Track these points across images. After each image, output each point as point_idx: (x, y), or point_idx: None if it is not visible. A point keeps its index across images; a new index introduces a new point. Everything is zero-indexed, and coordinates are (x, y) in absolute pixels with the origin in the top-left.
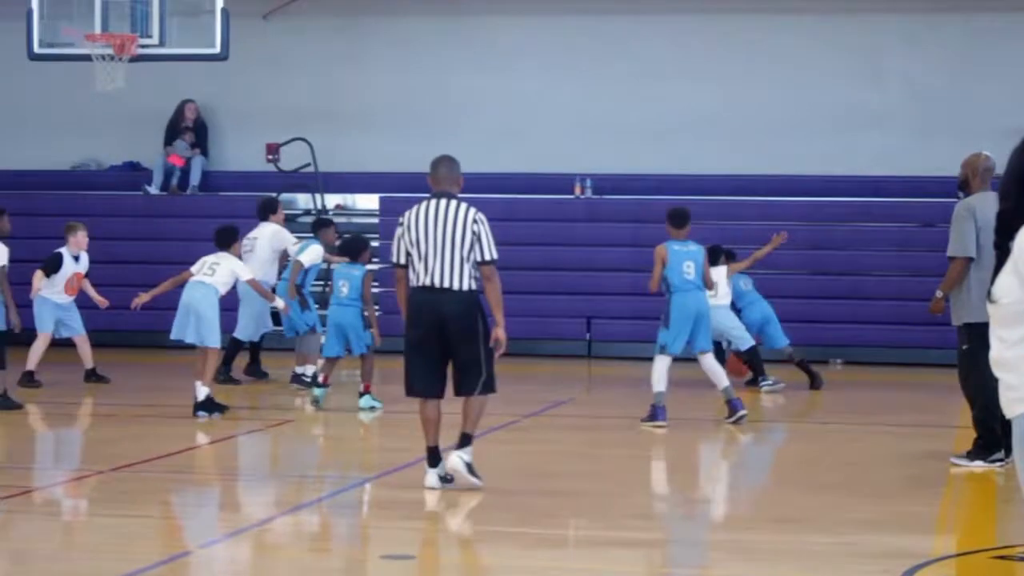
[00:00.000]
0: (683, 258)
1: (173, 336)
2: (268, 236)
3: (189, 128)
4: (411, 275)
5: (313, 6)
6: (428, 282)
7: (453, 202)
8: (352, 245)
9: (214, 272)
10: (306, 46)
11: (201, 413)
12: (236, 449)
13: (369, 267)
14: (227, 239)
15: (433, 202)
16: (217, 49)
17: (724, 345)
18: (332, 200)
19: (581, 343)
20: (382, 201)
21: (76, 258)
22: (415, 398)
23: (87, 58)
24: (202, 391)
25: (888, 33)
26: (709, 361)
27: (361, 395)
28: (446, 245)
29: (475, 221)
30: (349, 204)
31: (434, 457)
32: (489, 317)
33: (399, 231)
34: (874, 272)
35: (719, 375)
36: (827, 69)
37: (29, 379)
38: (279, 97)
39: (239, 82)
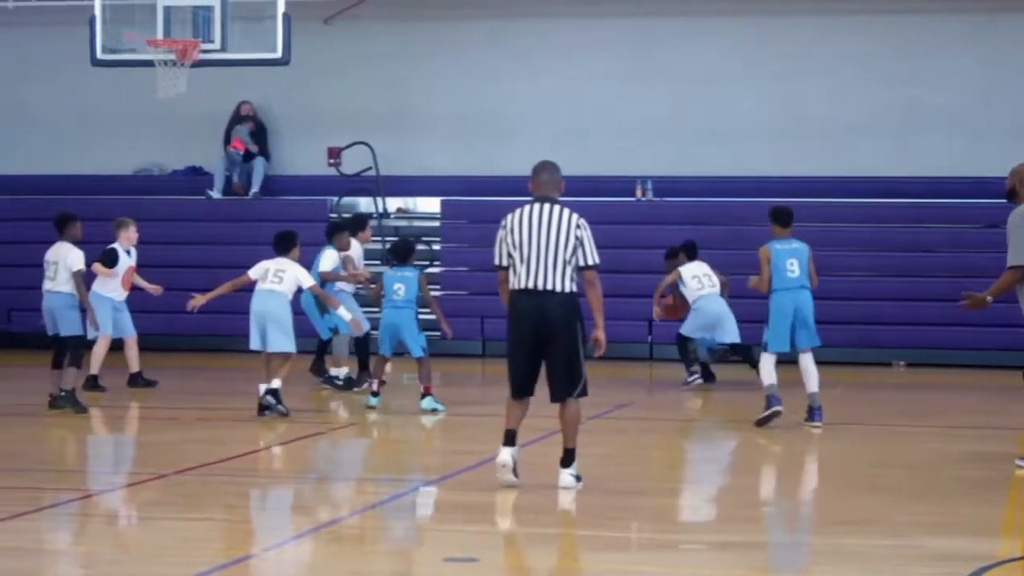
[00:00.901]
0: (787, 256)
1: (253, 347)
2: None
3: (250, 117)
4: (512, 277)
5: (374, 10)
6: (530, 285)
7: (556, 207)
8: (402, 248)
9: (281, 280)
10: (367, 50)
11: (267, 412)
12: (299, 452)
13: (422, 269)
14: (287, 244)
15: (536, 206)
16: (279, 54)
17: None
18: (393, 203)
19: (643, 345)
20: (443, 204)
21: (128, 252)
22: (514, 397)
23: (149, 64)
24: (265, 388)
25: (949, 33)
26: (806, 360)
27: (422, 396)
28: (549, 248)
29: (578, 226)
30: (410, 207)
31: (511, 439)
32: (587, 319)
33: (501, 233)
34: (936, 274)
35: (812, 377)
36: (886, 70)
37: (93, 383)
38: (340, 101)
39: (300, 86)
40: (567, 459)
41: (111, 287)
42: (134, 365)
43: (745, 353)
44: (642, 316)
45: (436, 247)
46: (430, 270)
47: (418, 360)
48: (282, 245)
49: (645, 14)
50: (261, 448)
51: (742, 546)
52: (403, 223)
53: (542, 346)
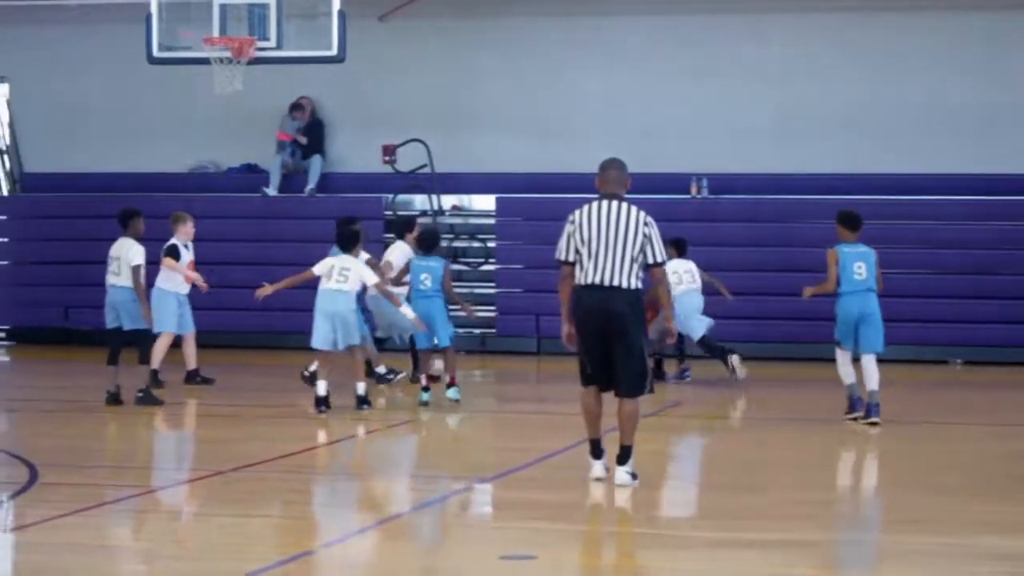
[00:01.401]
0: (855, 260)
1: (320, 346)
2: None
3: (299, 107)
4: (578, 273)
5: (430, 7)
6: (597, 280)
7: (624, 204)
8: (431, 238)
9: (346, 278)
10: (422, 47)
11: (364, 406)
12: (356, 449)
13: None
14: (352, 242)
15: (604, 203)
16: (334, 51)
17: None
18: (448, 201)
19: None
20: (498, 201)
21: (186, 247)
22: (588, 386)
23: (205, 61)
24: (361, 387)
25: (1018, 32)
26: (868, 361)
27: (448, 387)
28: (617, 245)
29: (646, 224)
30: (465, 204)
31: (598, 449)
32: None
33: (569, 228)
34: (994, 271)
35: (872, 377)
36: (949, 67)
37: (154, 379)
38: (395, 98)
39: (356, 84)
40: (623, 456)
41: (176, 281)
42: (191, 362)
43: (710, 348)
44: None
45: (491, 244)
46: (485, 267)
47: (444, 350)
48: (347, 242)
49: (701, 11)
50: (318, 445)
51: (803, 544)
52: (458, 220)
53: (607, 341)
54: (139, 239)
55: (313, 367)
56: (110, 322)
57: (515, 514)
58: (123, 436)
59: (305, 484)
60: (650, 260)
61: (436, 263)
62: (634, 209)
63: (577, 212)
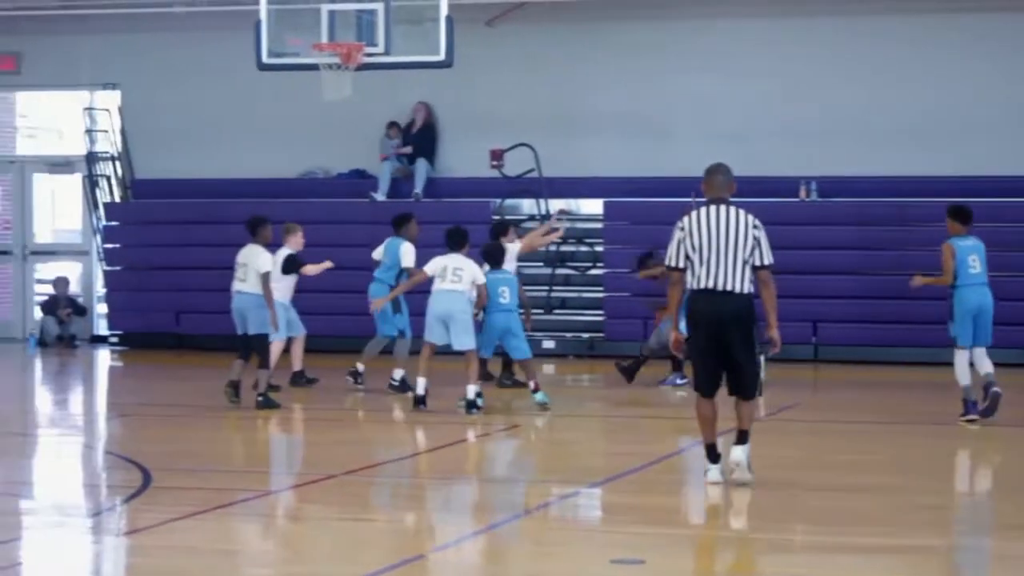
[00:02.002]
0: (969, 253)
1: (432, 340)
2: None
3: (394, 124)
4: (690, 279)
5: (536, 12)
6: (710, 285)
7: (732, 208)
8: (497, 252)
9: (460, 279)
10: (530, 52)
11: (474, 410)
12: (465, 454)
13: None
14: (461, 241)
15: (712, 208)
16: (442, 56)
17: None
18: (556, 205)
19: (807, 347)
20: (606, 205)
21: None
22: (702, 390)
23: (314, 67)
24: (471, 390)
25: None
26: (980, 354)
27: (534, 392)
28: (728, 249)
29: (755, 226)
30: (573, 209)
31: (714, 454)
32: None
33: (679, 235)
34: None
35: (986, 363)
36: None
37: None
38: (503, 103)
39: (463, 89)
40: (742, 438)
41: (282, 290)
42: (297, 364)
43: None
44: (807, 317)
45: (598, 248)
46: (592, 271)
47: (524, 362)
48: (456, 241)
49: (809, 14)
50: (428, 450)
51: (914, 549)
52: (565, 224)
53: (722, 345)
54: (266, 246)
55: (399, 373)
56: (239, 328)
57: (625, 518)
58: (235, 440)
59: (415, 488)
60: (758, 262)
61: (511, 275)
62: (742, 213)
63: (686, 218)
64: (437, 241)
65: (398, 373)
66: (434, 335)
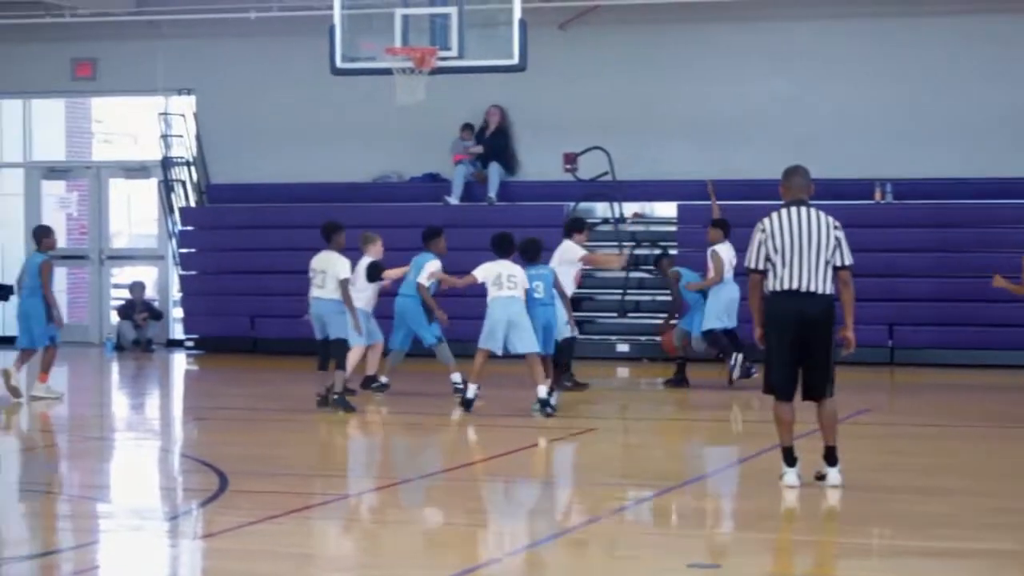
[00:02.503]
0: None
1: (491, 347)
2: (560, 250)
3: (468, 126)
4: (772, 281)
5: (609, 15)
6: (794, 286)
7: (812, 210)
8: (533, 247)
9: (516, 285)
10: (602, 55)
11: (548, 409)
12: (540, 457)
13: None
14: (509, 248)
15: (793, 210)
16: (515, 60)
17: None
18: (630, 208)
19: (883, 350)
20: (680, 209)
21: None
22: (771, 396)
23: (388, 72)
24: (542, 390)
25: None
26: None
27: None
28: (811, 250)
29: (836, 227)
30: (647, 212)
31: (791, 457)
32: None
33: (760, 236)
34: None
35: None
36: None
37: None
38: (576, 106)
39: (536, 92)
40: (832, 457)
41: (364, 298)
42: (372, 368)
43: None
44: (882, 320)
45: (672, 252)
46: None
47: (545, 357)
48: (507, 249)
49: (881, 15)
50: (503, 453)
51: (995, 554)
52: (639, 228)
53: (804, 345)
54: (341, 251)
55: (456, 376)
56: (319, 333)
57: (701, 522)
58: (311, 443)
59: (491, 492)
60: (838, 263)
61: (547, 271)
62: (822, 214)
63: (766, 220)
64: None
65: (457, 376)
66: (495, 342)
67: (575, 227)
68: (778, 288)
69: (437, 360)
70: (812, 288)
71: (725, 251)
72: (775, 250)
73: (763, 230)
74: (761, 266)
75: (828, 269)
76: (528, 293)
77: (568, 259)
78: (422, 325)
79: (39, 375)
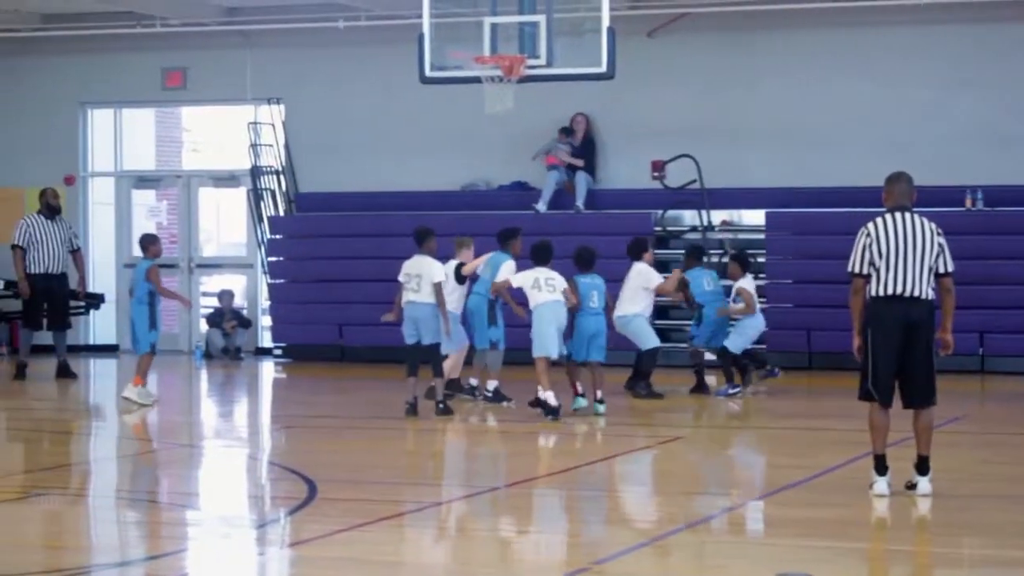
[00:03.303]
0: None
1: (549, 353)
2: (635, 274)
3: (569, 130)
4: (875, 285)
5: (698, 23)
6: (898, 291)
7: (916, 216)
8: (589, 256)
9: (554, 288)
10: (691, 62)
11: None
12: (625, 465)
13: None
14: (547, 256)
15: (898, 215)
16: (603, 68)
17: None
18: (718, 216)
19: (974, 358)
20: (768, 216)
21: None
22: (869, 402)
23: (477, 80)
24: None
25: None
26: None
27: (581, 396)
28: (916, 256)
29: (938, 233)
30: (735, 220)
31: (883, 465)
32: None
33: (865, 241)
34: None
35: None
36: None
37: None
38: (664, 114)
39: (624, 100)
40: (924, 467)
41: (453, 301)
42: (455, 372)
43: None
44: (973, 328)
45: (761, 259)
46: (756, 282)
47: (598, 364)
48: (544, 257)
49: (970, 20)
50: (589, 462)
51: None
52: (727, 235)
53: (906, 351)
54: (434, 256)
55: (493, 384)
56: (410, 338)
57: (790, 531)
58: (399, 451)
59: (578, 500)
60: (942, 269)
61: (600, 280)
62: (924, 220)
63: (871, 225)
64: (605, 252)
65: (492, 384)
66: (552, 346)
67: (642, 248)
68: (881, 293)
69: (480, 362)
70: (916, 293)
71: (750, 284)
72: (879, 254)
73: (868, 234)
74: (865, 270)
75: (930, 275)
76: (582, 301)
77: (645, 286)
78: (483, 326)
79: (134, 378)
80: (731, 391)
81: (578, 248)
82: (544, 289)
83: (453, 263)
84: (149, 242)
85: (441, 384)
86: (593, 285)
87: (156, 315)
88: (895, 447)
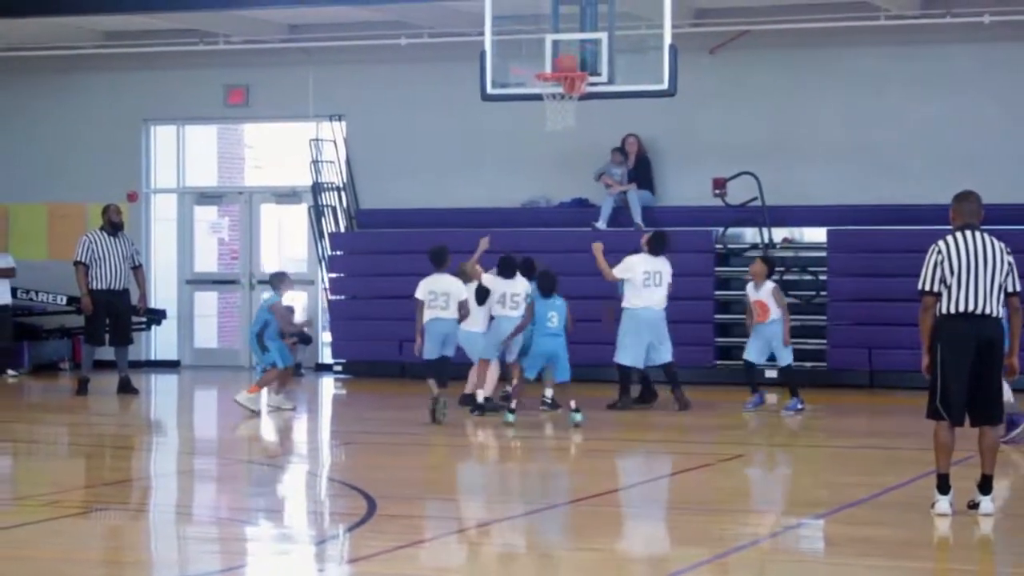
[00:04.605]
0: None
1: (531, 375)
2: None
3: (621, 151)
4: (945, 303)
5: (760, 40)
6: (969, 309)
7: (985, 235)
8: (551, 281)
9: (518, 305)
10: (752, 79)
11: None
12: (687, 483)
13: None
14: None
15: (968, 233)
16: (665, 85)
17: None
18: (779, 234)
19: None
20: (830, 234)
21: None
22: (936, 420)
23: (538, 97)
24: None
25: None
26: None
27: (574, 411)
28: (986, 274)
29: (1007, 252)
30: (796, 237)
31: (946, 484)
32: None
33: (936, 258)
34: None
35: None
36: None
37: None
38: (725, 131)
39: (685, 117)
40: (987, 486)
41: (477, 321)
42: (470, 387)
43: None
44: None
45: (822, 277)
46: (817, 301)
47: (564, 384)
48: (548, 286)
49: None
50: (648, 479)
51: None
52: (789, 253)
53: (976, 369)
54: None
55: (550, 392)
56: (432, 352)
57: (851, 550)
58: (458, 468)
59: (637, 517)
60: (1010, 288)
61: (561, 303)
62: (994, 239)
63: (942, 243)
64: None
65: (549, 392)
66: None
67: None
68: (952, 310)
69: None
70: (987, 311)
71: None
72: (951, 272)
73: (939, 252)
74: (936, 288)
75: (1001, 293)
76: (539, 322)
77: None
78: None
79: (251, 386)
80: (799, 406)
81: (539, 272)
82: (508, 305)
83: (473, 285)
84: (278, 280)
85: (443, 393)
86: (553, 307)
87: (270, 338)
88: (958, 466)
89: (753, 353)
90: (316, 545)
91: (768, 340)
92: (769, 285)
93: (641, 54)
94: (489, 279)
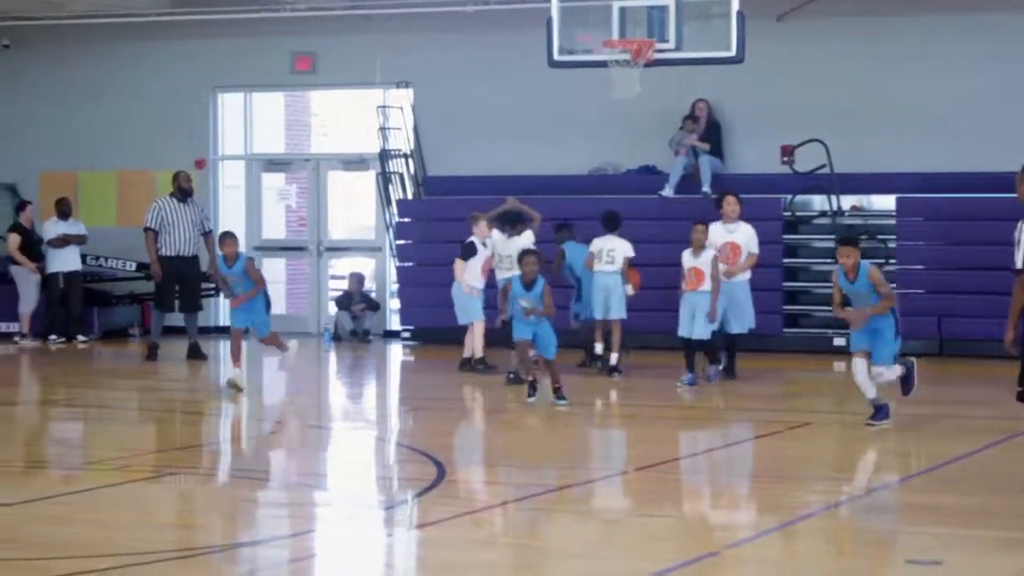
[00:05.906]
0: None
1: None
2: None
3: (693, 118)
4: None
5: (829, 6)
6: None
7: None
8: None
9: (613, 260)
10: (821, 46)
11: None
12: (755, 451)
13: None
14: (617, 222)
15: None
16: (733, 52)
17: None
18: (847, 201)
19: None
20: (898, 201)
21: (483, 244)
22: None
23: (604, 64)
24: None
25: None
26: None
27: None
28: None
29: None
30: (865, 205)
31: None
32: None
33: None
34: None
35: None
36: None
37: (481, 364)
38: (794, 98)
39: (753, 84)
40: None
41: (475, 277)
42: (468, 351)
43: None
44: None
45: (891, 245)
46: (887, 268)
47: (551, 360)
48: (613, 223)
49: None
50: (717, 447)
51: None
52: (858, 221)
53: None
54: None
55: (614, 358)
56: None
57: (921, 518)
58: (526, 435)
59: (706, 486)
60: None
61: (541, 283)
62: None
63: None
64: None
65: (614, 357)
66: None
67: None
68: None
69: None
70: None
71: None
72: None
73: None
74: None
75: None
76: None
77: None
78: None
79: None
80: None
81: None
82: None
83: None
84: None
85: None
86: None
87: None
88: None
89: (686, 327)
90: (385, 510)
91: (694, 307)
92: (709, 253)
93: (708, 21)
94: (498, 236)
